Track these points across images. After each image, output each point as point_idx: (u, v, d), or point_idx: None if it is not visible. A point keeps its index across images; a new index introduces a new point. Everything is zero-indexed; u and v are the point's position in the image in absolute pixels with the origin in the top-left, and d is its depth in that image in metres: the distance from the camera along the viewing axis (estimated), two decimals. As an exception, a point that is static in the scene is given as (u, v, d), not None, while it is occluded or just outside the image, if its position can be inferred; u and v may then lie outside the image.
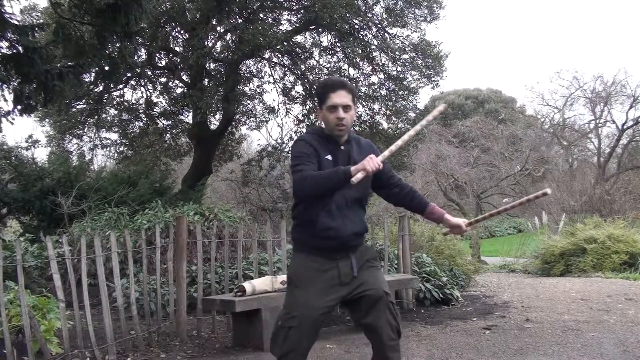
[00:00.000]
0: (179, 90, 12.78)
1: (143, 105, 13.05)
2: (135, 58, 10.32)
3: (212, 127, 12.58)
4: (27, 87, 5.81)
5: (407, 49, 11.79)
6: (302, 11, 11.36)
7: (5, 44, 5.66)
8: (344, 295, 2.35)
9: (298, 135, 12.71)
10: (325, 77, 11.08)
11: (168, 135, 13.83)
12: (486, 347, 4.04)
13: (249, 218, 9.26)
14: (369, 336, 2.40)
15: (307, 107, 12.42)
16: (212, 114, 12.66)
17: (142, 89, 13.05)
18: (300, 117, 12.60)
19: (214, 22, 10.92)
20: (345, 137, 2.42)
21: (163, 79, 13.09)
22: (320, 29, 11.64)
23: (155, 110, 13.17)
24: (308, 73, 12.08)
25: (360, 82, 11.84)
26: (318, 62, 12.27)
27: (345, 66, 11.84)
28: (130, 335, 4.06)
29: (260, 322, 4.13)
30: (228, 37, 11.67)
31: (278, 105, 13.63)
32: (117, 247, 4.16)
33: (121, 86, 12.48)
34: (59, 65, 5.88)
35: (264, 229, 6.26)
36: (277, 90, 13.03)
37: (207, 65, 11.57)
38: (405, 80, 11.82)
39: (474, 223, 2.73)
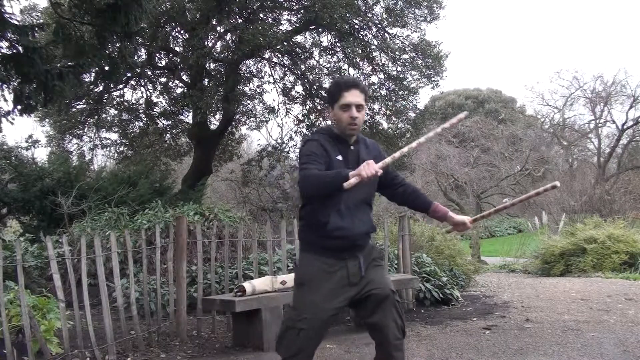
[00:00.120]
0: (179, 90, 12.78)
1: (143, 105, 13.05)
2: (135, 58, 10.31)
3: (212, 127, 12.58)
4: (27, 87, 5.81)
5: (407, 49, 11.79)
6: (302, 11, 11.36)
7: (5, 44, 5.66)
8: (352, 296, 2.36)
9: (297, 134, 12.80)
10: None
11: (168, 135, 13.83)
12: (486, 347, 4.04)
13: (249, 218, 9.26)
14: (374, 335, 2.39)
15: (307, 107, 12.43)
16: (212, 114, 12.66)
17: (142, 89, 13.06)
18: (300, 117, 12.61)
19: (214, 22, 10.92)
20: (355, 137, 2.43)
21: (163, 79, 13.10)
22: (320, 29, 11.64)
23: (155, 110, 13.17)
24: (308, 73, 12.08)
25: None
26: (318, 62, 12.28)
27: (345, 66, 11.85)
28: (130, 335, 4.06)
29: (260, 322, 4.13)
30: (228, 37, 11.68)
31: (278, 105, 13.65)
32: (117, 247, 4.16)
33: (121, 86, 12.49)
34: (59, 65, 5.88)
35: (264, 229, 6.25)
36: (277, 90, 13.04)
37: (207, 65, 11.57)
38: (405, 80, 11.82)
39: (479, 219, 2.74)
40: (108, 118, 13.35)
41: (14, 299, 3.66)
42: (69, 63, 6.02)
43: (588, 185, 16.95)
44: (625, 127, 21.10)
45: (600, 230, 9.01)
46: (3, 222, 9.52)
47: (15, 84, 5.78)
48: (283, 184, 14.38)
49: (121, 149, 13.69)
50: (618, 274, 8.10)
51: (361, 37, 11.55)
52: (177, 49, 12.05)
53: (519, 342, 4.18)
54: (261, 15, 11.40)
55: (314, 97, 12.21)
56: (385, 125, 12.46)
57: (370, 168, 2.03)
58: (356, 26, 11.45)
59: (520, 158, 20.30)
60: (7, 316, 3.40)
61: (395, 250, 5.95)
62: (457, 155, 18.85)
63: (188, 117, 13.17)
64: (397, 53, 11.66)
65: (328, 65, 12.13)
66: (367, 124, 12.09)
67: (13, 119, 6.10)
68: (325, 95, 2.52)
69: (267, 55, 12.19)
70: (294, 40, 11.85)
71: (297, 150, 13.45)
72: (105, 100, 12.69)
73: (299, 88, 12.71)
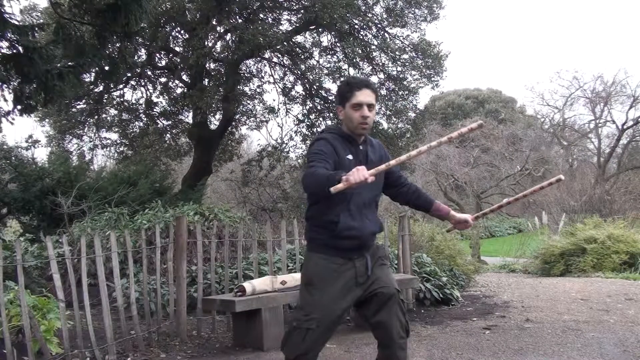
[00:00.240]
0: (179, 90, 12.78)
1: (143, 105, 13.05)
2: (135, 58, 10.33)
3: (212, 127, 12.58)
4: (27, 87, 5.80)
5: (407, 49, 11.79)
6: (302, 11, 11.36)
7: (5, 44, 5.65)
8: (359, 296, 2.37)
9: (297, 134, 12.80)
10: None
11: (168, 135, 13.82)
12: (486, 347, 4.04)
13: (249, 218, 9.25)
14: (378, 334, 2.39)
15: (307, 107, 12.42)
16: (212, 114, 12.67)
17: (142, 89, 13.05)
18: (300, 117, 12.60)
19: (214, 22, 10.91)
20: (363, 137, 2.44)
21: (163, 79, 13.09)
22: (320, 29, 11.64)
23: (155, 110, 13.17)
24: (308, 73, 12.08)
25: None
26: (318, 62, 12.28)
27: (345, 66, 11.84)
28: (130, 335, 4.06)
29: (260, 322, 4.13)
30: (228, 37, 11.68)
31: (278, 105, 13.62)
32: (117, 247, 4.16)
33: (121, 86, 12.48)
34: (59, 65, 5.86)
35: (264, 229, 6.26)
36: (277, 90, 13.04)
37: (207, 65, 11.57)
38: (405, 80, 11.82)
39: (481, 216, 2.74)
40: (108, 118, 13.34)
41: (14, 299, 3.66)
42: (69, 63, 6.01)
43: (588, 185, 16.96)
44: (625, 127, 21.11)
45: (600, 230, 9.01)
46: (3, 222, 9.51)
47: (15, 84, 5.77)
48: (283, 184, 14.38)
49: (121, 149, 13.69)
50: (618, 274, 8.10)
51: (361, 37, 11.55)
52: (177, 49, 12.06)
53: (519, 342, 4.18)
54: (261, 15, 11.40)
55: (314, 97, 12.21)
56: (385, 125, 12.46)
57: (359, 174, 1.99)
58: (356, 26, 11.45)
59: (520, 158, 20.31)
60: (7, 316, 3.40)
61: (395, 250, 5.95)
62: (457, 155, 18.86)
63: (188, 117, 13.18)
64: (397, 53, 11.66)
65: (328, 65, 12.14)
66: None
67: (13, 119, 6.10)
68: (336, 94, 2.52)
69: (267, 55, 12.19)
70: (294, 40, 11.85)
71: (297, 151, 13.50)
72: (105, 100, 12.69)
73: (299, 88, 12.73)
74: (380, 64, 11.99)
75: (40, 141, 11.46)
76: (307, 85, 12.20)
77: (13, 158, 9.35)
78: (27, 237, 7.30)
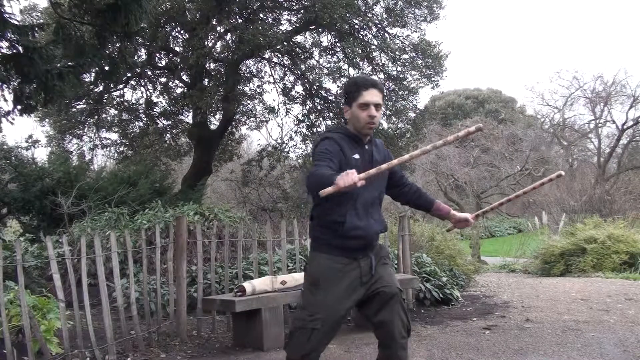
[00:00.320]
0: (179, 90, 12.78)
1: (143, 105, 13.05)
2: (135, 58, 10.33)
3: (212, 127, 12.57)
4: (27, 87, 5.80)
5: (407, 49, 11.78)
6: (302, 11, 11.36)
7: (5, 44, 5.65)
8: (363, 295, 2.37)
9: (297, 134, 12.80)
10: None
11: (168, 135, 13.82)
12: (486, 347, 4.04)
13: (249, 218, 9.25)
14: (380, 334, 2.39)
15: (307, 107, 12.42)
16: (212, 114, 12.67)
17: (142, 89, 13.05)
18: (300, 117, 12.59)
19: (214, 22, 10.91)
20: (368, 137, 2.45)
21: (163, 79, 13.09)
22: (320, 29, 11.64)
23: (155, 110, 13.17)
24: (308, 73, 12.07)
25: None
26: (318, 62, 12.28)
27: (345, 66, 11.84)
28: (130, 335, 4.06)
29: (260, 322, 4.13)
30: (228, 37, 11.68)
31: (278, 105, 13.62)
32: (117, 247, 4.16)
33: (121, 86, 12.48)
34: (59, 65, 5.86)
35: (264, 229, 6.26)
36: (277, 90, 13.04)
37: (207, 65, 11.57)
38: (405, 80, 11.82)
39: (481, 214, 2.74)
40: (108, 118, 13.34)
41: (14, 299, 3.66)
42: (69, 63, 6.01)
43: (588, 185, 16.97)
44: (625, 127, 21.11)
45: (600, 230, 9.01)
46: (3, 222, 9.51)
47: (15, 84, 5.77)
48: (283, 184, 14.38)
49: (121, 149, 13.68)
50: (618, 274, 8.10)
51: (361, 37, 11.55)
52: (177, 49, 12.05)
53: (519, 342, 4.18)
54: (261, 15, 11.40)
55: (314, 97, 12.21)
56: (385, 125, 12.46)
57: (348, 178, 1.96)
58: (356, 26, 11.45)
59: (520, 158, 20.32)
60: (7, 316, 3.40)
61: (395, 251, 5.94)
62: (457, 155, 18.87)
63: (188, 117, 13.17)
64: (397, 53, 11.66)
65: (328, 65, 12.14)
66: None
67: (13, 119, 6.10)
68: (342, 93, 2.51)
69: (267, 55, 12.18)
70: (294, 40, 11.84)
71: (297, 150, 13.49)
72: (105, 100, 12.68)
73: (299, 88, 12.72)
74: (380, 64, 11.99)
75: (40, 141, 11.47)
76: (307, 85, 12.20)
77: (13, 158, 9.35)
78: (27, 237, 7.30)
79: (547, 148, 23.32)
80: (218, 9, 10.40)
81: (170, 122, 13.51)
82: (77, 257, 4.05)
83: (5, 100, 5.91)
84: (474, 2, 65.29)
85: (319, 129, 12.28)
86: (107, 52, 6.60)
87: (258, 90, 12.62)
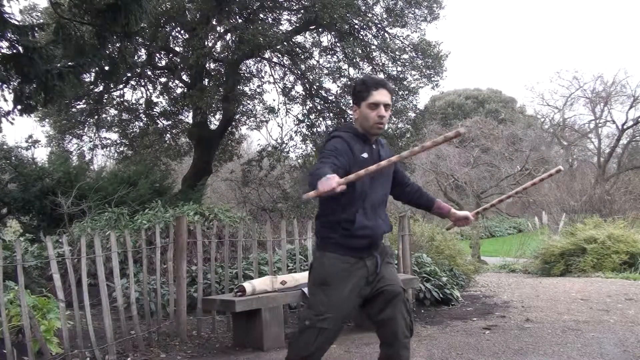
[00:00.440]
0: (179, 90, 12.78)
1: (143, 105, 13.05)
2: (135, 58, 10.32)
3: (212, 127, 12.57)
4: (27, 87, 5.80)
5: (407, 49, 11.79)
6: (302, 11, 11.36)
7: (5, 44, 5.65)
8: (367, 294, 2.38)
9: (297, 134, 12.80)
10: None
11: (168, 135, 13.82)
12: (486, 347, 4.04)
13: (249, 218, 9.25)
14: (382, 333, 2.40)
15: (307, 107, 12.42)
16: (212, 114, 12.66)
17: (142, 89, 13.05)
18: (300, 117, 12.60)
19: (214, 22, 10.91)
20: (375, 137, 2.47)
21: (163, 79, 13.09)
22: (320, 29, 11.64)
23: (155, 110, 13.17)
24: (308, 73, 12.08)
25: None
26: (318, 62, 12.29)
27: (345, 66, 11.85)
28: (130, 335, 4.06)
29: (260, 322, 4.13)
30: (228, 37, 11.68)
31: (278, 105, 13.62)
32: (117, 247, 4.16)
33: (121, 86, 12.48)
34: (59, 65, 5.86)
35: (264, 229, 6.26)
36: (277, 90, 13.04)
37: (207, 65, 11.57)
38: (405, 80, 11.82)
39: (481, 212, 2.77)
40: (108, 118, 13.34)
41: (14, 299, 3.66)
42: (69, 63, 6.01)
43: (588, 185, 16.96)
44: (625, 127, 21.09)
45: (600, 230, 9.01)
46: (3, 222, 9.51)
47: (15, 84, 5.77)
48: (283, 184, 14.37)
49: (121, 149, 13.68)
50: (618, 274, 8.09)
51: (361, 37, 11.55)
52: (177, 49, 12.05)
53: (519, 342, 4.18)
54: (261, 15, 11.40)
55: (314, 97, 12.22)
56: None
57: (328, 183, 1.95)
58: (356, 26, 11.45)
59: (520, 158, 20.31)
60: (7, 316, 3.40)
61: (396, 250, 5.94)
62: (457, 155, 18.86)
63: (188, 117, 13.17)
64: (397, 53, 11.66)
65: (328, 65, 12.15)
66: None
67: (13, 119, 6.10)
68: (352, 93, 2.51)
69: (267, 55, 12.19)
70: (294, 40, 11.84)
71: (297, 151, 13.50)
72: (105, 100, 12.68)
73: (299, 88, 12.73)
74: (380, 64, 11.99)
75: (40, 141, 11.46)
76: (307, 85, 12.20)
77: (13, 158, 9.35)
78: (27, 237, 7.30)
79: (547, 148, 23.32)
80: (218, 9, 10.40)
81: (170, 122, 13.51)
82: (77, 257, 4.05)
83: (5, 100, 5.92)
84: (474, 2, 65.32)
85: (319, 129, 12.29)
86: (107, 52, 6.60)
87: (258, 90, 12.64)
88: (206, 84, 11.47)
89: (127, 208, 7.42)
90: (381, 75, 12.03)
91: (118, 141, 13.66)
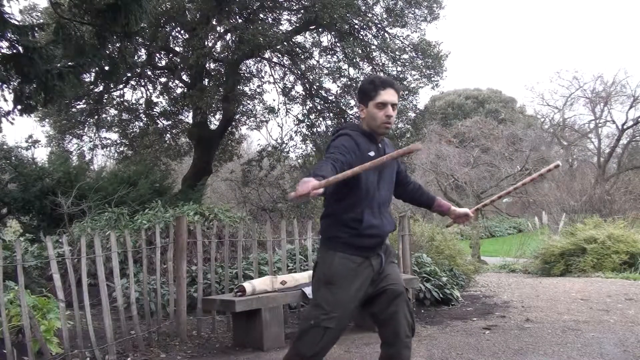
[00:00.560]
0: (179, 90, 12.77)
1: (143, 105, 13.04)
2: (135, 58, 10.32)
3: (212, 127, 12.57)
4: (27, 87, 5.80)
5: (407, 49, 11.77)
6: (302, 11, 11.35)
7: (5, 44, 5.65)
8: (370, 292, 2.39)
9: (297, 134, 12.79)
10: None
11: (168, 135, 13.81)
12: (486, 347, 4.04)
13: (249, 218, 9.25)
14: (384, 332, 2.40)
15: (307, 107, 12.41)
16: (212, 114, 12.65)
17: (142, 89, 13.04)
18: (300, 117, 12.59)
19: (214, 22, 10.91)
20: (382, 136, 2.48)
21: (163, 79, 13.08)
22: (320, 29, 11.63)
23: (155, 110, 13.16)
24: (308, 73, 12.07)
25: (360, 82, 11.84)
26: (318, 62, 12.27)
27: (345, 66, 11.83)
28: (130, 335, 4.06)
29: (260, 322, 4.13)
30: (228, 37, 11.67)
31: (278, 105, 13.59)
32: (117, 247, 4.16)
33: (121, 86, 12.47)
34: (59, 65, 5.86)
35: (264, 229, 6.26)
36: (277, 90, 13.02)
37: (207, 65, 11.56)
38: (405, 80, 11.81)
39: (480, 208, 2.79)
40: (108, 118, 13.33)
41: (14, 299, 3.66)
42: (69, 63, 6.01)
43: (588, 185, 16.95)
44: (625, 127, 21.08)
45: (600, 230, 9.01)
46: (3, 222, 9.51)
47: (15, 84, 5.77)
48: (283, 184, 14.36)
49: (121, 149, 13.67)
50: (618, 274, 8.10)
51: (361, 37, 11.54)
52: (177, 49, 12.04)
53: (519, 342, 4.18)
54: (261, 15, 11.39)
55: (314, 97, 12.21)
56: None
57: (305, 186, 1.93)
58: (356, 26, 11.44)
59: (520, 158, 20.31)
60: (7, 316, 3.40)
61: (395, 250, 5.94)
62: (457, 155, 18.87)
63: (188, 117, 13.16)
64: (397, 53, 11.65)
65: (328, 65, 12.13)
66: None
67: (13, 119, 6.10)
68: (359, 92, 2.52)
69: (267, 55, 12.17)
70: (294, 40, 11.83)
71: (297, 151, 13.48)
72: (105, 100, 12.67)
73: (299, 88, 12.71)
74: (380, 64, 11.98)
75: (40, 141, 11.45)
76: (307, 85, 12.19)
77: (13, 158, 9.35)
78: (27, 237, 7.30)
79: (547, 148, 23.31)
80: (218, 9, 10.40)
81: (170, 122, 13.50)
82: (77, 257, 4.05)
83: (5, 100, 5.92)
84: (474, 2, 65.31)
85: (319, 129, 12.28)
86: (107, 52, 6.60)
87: (258, 90, 12.62)
88: (206, 84, 11.46)
89: (127, 208, 7.42)
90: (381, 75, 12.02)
91: (118, 141, 13.65)
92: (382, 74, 11.91)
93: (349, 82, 11.79)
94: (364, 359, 3.84)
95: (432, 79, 11.93)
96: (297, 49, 12.04)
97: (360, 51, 11.28)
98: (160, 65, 12.59)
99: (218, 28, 11.33)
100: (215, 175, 15.88)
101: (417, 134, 12.46)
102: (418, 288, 5.74)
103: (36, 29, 6.06)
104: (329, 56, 12.16)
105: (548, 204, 15.55)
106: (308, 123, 12.33)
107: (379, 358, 2.46)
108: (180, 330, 4.40)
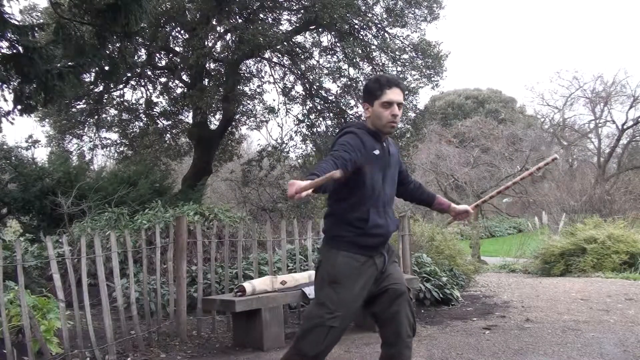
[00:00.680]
0: (179, 90, 12.76)
1: (143, 105, 13.04)
2: (135, 58, 10.32)
3: (212, 127, 12.57)
4: (27, 87, 5.81)
5: (407, 49, 11.77)
6: (302, 11, 11.35)
7: (5, 44, 5.65)
8: (373, 292, 2.39)
9: (297, 134, 12.79)
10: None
11: (168, 135, 13.80)
12: (486, 347, 4.04)
13: (249, 218, 9.25)
14: (385, 331, 2.41)
15: (307, 107, 12.41)
16: (212, 114, 12.65)
17: (142, 89, 13.04)
18: (300, 117, 12.58)
19: (214, 22, 10.90)
20: (387, 135, 2.49)
21: (163, 79, 13.08)
22: (320, 29, 11.63)
23: (155, 110, 13.15)
24: (308, 73, 12.07)
25: (360, 82, 11.84)
26: (318, 62, 12.27)
27: (345, 66, 11.83)
28: (130, 335, 4.06)
29: (260, 322, 4.13)
30: (228, 37, 11.67)
31: (278, 105, 13.59)
32: (117, 247, 4.16)
33: (121, 86, 12.47)
34: (59, 65, 5.86)
35: (264, 229, 6.26)
36: (277, 90, 13.02)
37: (207, 65, 11.56)
38: (405, 80, 11.80)
39: (480, 204, 2.81)
40: (108, 118, 13.33)
41: (14, 299, 3.66)
42: (69, 63, 6.01)
43: (588, 185, 16.96)
44: (625, 127, 21.09)
45: (600, 230, 9.01)
46: (3, 222, 9.51)
47: (15, 84, 5.77)
48: (283, 184, 14.36)
49: (121, 149, 13.67)
50: (618, 274, 8.10)
51: (361, 37, 11.53)
52: (177, 49, 12.04)
53: (519, 342, 4.17)
54: (261, 15, 11.39)
55: (314, 97, 12.20)
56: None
57: (290, 189, 1.94)
58: (356, 26, 11.43)
59: (520, 158, 20.33)
60: (7, 316, 3.40)
61: (395, 250, 5.95)
62: (457, 155, 18.88)
63: (188, 117, 13.16)
64: (397, 53, 11.64)
65: (328, 65, 12.12)
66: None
67: (13, 119, 6.10)
68: (364, 91, 2.52)
69: (267, 55, 12.17)
70: (294, 40, 11.83)
71: (297, 151, 13.48)
72: (105, 100, 12.67)
73: (299, 88, 12.70)
74: (380, 64, 11.97)
75: (40, 141, 11.45)
76: (307, 85, 12.19)
77: (13, 158, 9.35)
78: (27, 237, 7.30)
79: (547, 148, 23.30)
80: (218, 9, 10.40)
81: (170, 122, 13.50)
82: (77, 257, 4.05)
83: (5, 100, 5.92)
84: (474, 2, 65.31)
85: (319, 129, 12.27)
86: (107, 52, 6.60)
87: (258, 90, 12.61)
88: (206, 84, 11.46)
89: (127, 208, 7.42)
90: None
91: (118, 141, 13.64)
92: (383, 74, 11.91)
93: (349, 82, 11.79)
94: (364, 359, 3.84)
95: (432, 79, 11.93)
96: (297, 49, 12.04)
97: (360, 51, 11.28)
98: (160, 65, 12.59)
99: (218, 28, 11.33)
100: (215, 175, 15.88)
101: (417, 134, 12.46)
102: (418, 288, 5.74)
103: (36, 29, 6.06)
104: (329, 56, 12.16)
105: (548, 204, 15.56)
106: (308, 123, 12.33)
107: (379, 358, 2.46)
108: (180, 330, 4.40)
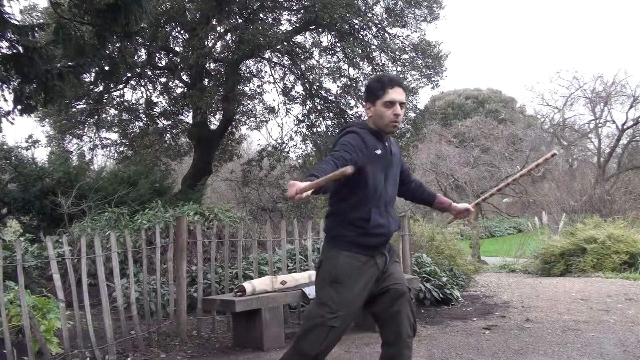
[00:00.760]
0: (179, 90, 12.76)
1: (143, 105, 13.04)
2: (135, 58, 10.32)
3: (212, 127, 12.57)
4: (27, 87, 5.81)
5: (407, 49, 11.77)
6: (302, 11, 11.35)
7: (5, 44, 5.65)
8: (373, 292, 2.39)
9: (297, 134, 12.80)
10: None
11: (168, 135, 13.80)
12: (486, 347, 4.04)
13: (249, 218, 9.25)
14: (386, 331, 2.40)
15: (307, 107, 12.41)
16: (212, 114, 12.65)
17: (142, 89, 13.04)
18: (300, 117, 12.59)
19: (214, 22, 10.90)
20: (389, 134, 2.49)
21: (163, 79, 13.08)
22: (320, 29, 11.63)
23: (155, 110, 13.15)
24: (308, 73, 12.07)
25: (360, 82, 11.84)
26: (318, 62, 12.27)
27: (345, 66, 11.83)
28: (130, 335, 4.06)
29: (260, 322, 4.13)
30: (228, 37, 11.67)
31: (278, 105, 13.61)
32: (117, 247, 4.16)
33: (121, 86, 12.47)
34: (59, 65, 5.86)
35: (264, 229, 6.26)
36: (277, 90, 13.02)
37: (207, 65, 11.56)
38: (405, 80, 11.80)
39: (480, 202, 2.83)
40: (108, 118, 13.33)
41: (14, 299, 3.66)
42: (69, 63, 6.01)
43: (588, 185, 16.96)
44: (625, 127, 21.09)
45: (600, 230, 9.01)
46: (3, 222, 9.51)
47: (15, 84, 5.77)
48: (283, 184, 14.36)
49: (121, 149, 13.67)
50: (618, 274, 8.10)
51: (361, 37, 11.53)
52: (177, 49, 12.04)
53: (519, 342, 4.18)
54: (261, 15, 11.39)
55: (314, 97, 12.21)
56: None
57: (290, 190, 1.94)
58: (356, 26, 11.43)
59: (520, 158, 20.33)
60: (7, 316, 3.40)
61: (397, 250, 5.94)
62: (457, 155, 18.88)
63: (188, 117, 13.16)
64: (397, 53, 11.64)
65: (328, 65, 12.12)
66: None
67: (13, 119, 6.10)
68: (366, 90, 2.52)
69: (267, 55, 12.17)
70: (294, 40, 11.83)
71: (297, 151, 13.48)
72: (105, 100, 12.67)
73: (299, 88, 12.70)
74: (380, 64, 11.97)
75: (40, 141, 11.44)
76: (307, 85, 12.19)
77: (13, 158, 9.34)
78: (27, 237, 7.30)
79: (547, 148, 23.28)
80: (218, 9, 10.40)
81: (170, 122, 13.50)
82: (77, 257, 4.05)
83: (5, 100, 5.92)
84: (474, 2, 65.32)
85: (319, 129, 12.27)
86: (107, 52, 6.60)
87: (258, 90, 12.61)
88: (206, 84, 11.46)
89: (127, 208, 7.42)
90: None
91: (118, 141, 13.64)
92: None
93: (349, 82, 11.79)
94: (364, 359, 3.84)
95: (432, 79, 11.93)
96: (297, 49, 12.04)
97: (360, 51, 11.28)
98: (160, 65, 12.59)
99: (218, 28, 11.33)
100: (215, 175, 15.88)
101: (417, 134, 12.47)
102: (418, 288, 5.74)
103: (36, 29, 6.06)
104: (329, 56, 12.16)
105: (548, 204, 15.56)
106: (308, 123, 12.33)
107: (379, 358, 2.46)
108: (180, 330, 4.40)
